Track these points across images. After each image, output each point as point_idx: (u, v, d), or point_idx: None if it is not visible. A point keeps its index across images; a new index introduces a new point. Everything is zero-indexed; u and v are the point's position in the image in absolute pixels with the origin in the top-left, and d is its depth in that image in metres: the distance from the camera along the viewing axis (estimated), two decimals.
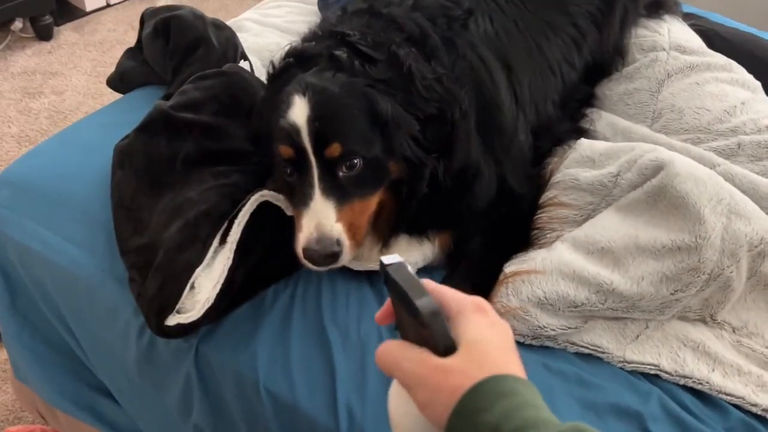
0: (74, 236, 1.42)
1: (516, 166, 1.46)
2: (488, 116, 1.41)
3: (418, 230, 1.37)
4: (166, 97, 1.51)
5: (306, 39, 1.39)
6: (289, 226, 1.24)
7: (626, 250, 1.24)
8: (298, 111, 1.16)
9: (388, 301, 0.78)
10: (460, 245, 1.40)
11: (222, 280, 1.16)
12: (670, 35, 1.73)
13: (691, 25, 1.85)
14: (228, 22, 1.98)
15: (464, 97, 1.31)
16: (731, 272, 1.21)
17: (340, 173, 1.18)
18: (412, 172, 1.24)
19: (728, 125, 1.53)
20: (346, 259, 1.20)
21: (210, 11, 3.96)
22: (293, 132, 1.16)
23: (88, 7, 3.73)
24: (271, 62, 1.34)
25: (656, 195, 1.27)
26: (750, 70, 1.69)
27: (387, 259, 0.73)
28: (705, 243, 1.19)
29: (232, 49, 1.57)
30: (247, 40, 1.77)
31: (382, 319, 0.79)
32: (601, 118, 1.62)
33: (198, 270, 1.19)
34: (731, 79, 1.63)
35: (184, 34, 1.56)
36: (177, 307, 1.18)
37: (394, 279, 0.72)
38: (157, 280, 1.19)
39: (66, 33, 3.59)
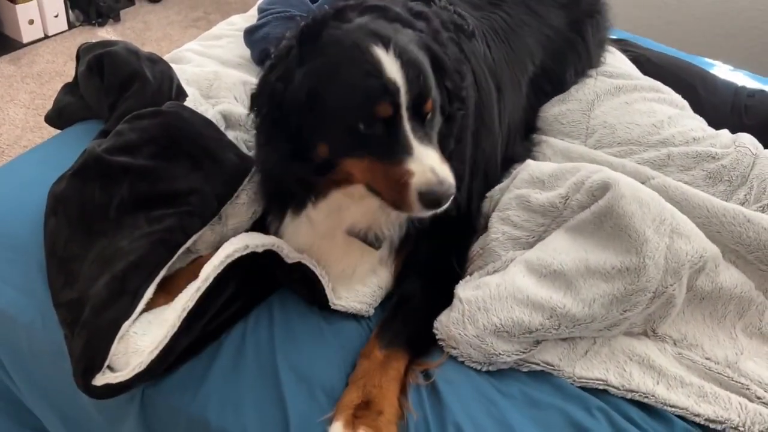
0: (12, 278, 1.26)
1: (484, 186, 1.39)
2: (482, 125, 1.35)
3: None
4: (104, 134, 1.35)
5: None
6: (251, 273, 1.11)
7: (577, 272, 1.18)
8: (392, 66, 1.05)
9: None
10: (405, 268, 1.30)
11: (162, 347, 1.02)
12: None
13: (624, 51, 1.87)
14: (170, 53, 1.85)
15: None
16: (674, 290, 1.16)
17: (425, 123, 1.09)
18: (446, 126, 1.18)
19: (658, 137, 1.52)
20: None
21: (153, 40, 3.78)
22: (394, 89, 1.04)
23: (25, 39, 3.46)
24: (305, 20, 1.16)
25: (602, 216, 1.21)
26: (678, 91, 1.69)
27: None
28: (650, 263, 1.14)
29: (168, 82, 1.42)
30: (186, 71, 1.62)
31: None
32: (541, 141, 1.59)
33: (126, 324, 1.05)
34: (659, 98, 1.63)
35: (118, 71, 1.41)
36: (107, 363, 1.03)
37: None
38: (82, 338, 1.04)
39: (2, 65, 3.31)
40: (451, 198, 1.06)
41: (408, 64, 1.06)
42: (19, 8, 3.36)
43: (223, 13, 3.88)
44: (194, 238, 1.19)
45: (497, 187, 1.40)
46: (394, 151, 1.05)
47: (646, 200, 1.19)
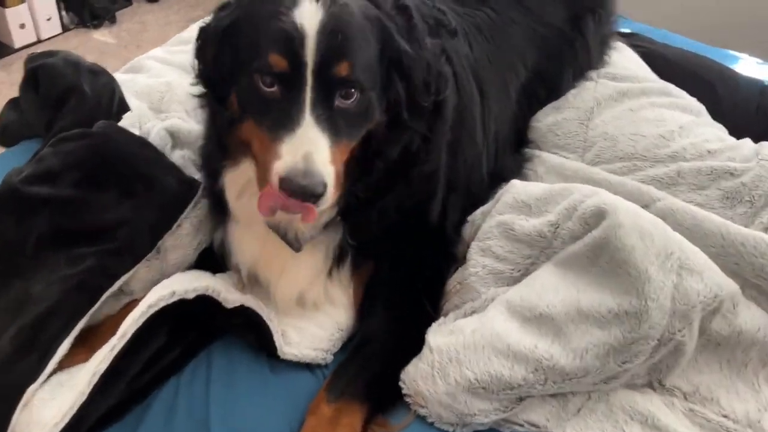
0: None
1: (467, 203, 1.22)
2: (463, 131, 1.20)
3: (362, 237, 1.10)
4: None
5: None
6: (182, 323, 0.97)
7: (567, 316, 1.00)
8: (308, 13, 0.88)
9: None
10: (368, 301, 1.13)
11: (68, 420, 0.87)
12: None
13: (633, 47, 1.66)
14: (132, 61, 1.71)
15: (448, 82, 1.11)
16: (683, 336, 0.97)
17: (336, 101, 0.90)
18: (390, 131, 1.00)
19: (666, 151, 1.32)
20: (323, 206, 0.91)
21: (150, 42, 3.64)
22: (297, 38, 0.87)
23: (17, 44, 3.35)
24: None
25: (598, 249, 1.02)
26: (695, 91, 1.49)
27: None
28: (654, 306, 0.96)
29: (108, 95, 1.28)
30: (138, 82, 1.47)
31: None
32: (534, 156, 1.39)
33: (32, 388, 0.90)
34: (670, 104, 1.42)
35: (53, 84, 1.28)
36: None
37: None
38: None
39: None
40: (322, 198, 0.88)
41: (332, 17, 0.88)
42: (9, 12, 3.26)
43: None
44: (123, 279, 1.03)
45: (479, 211, 1.21)
46: (281, 121, 0.88)
47: (649, 230, 1.00)
